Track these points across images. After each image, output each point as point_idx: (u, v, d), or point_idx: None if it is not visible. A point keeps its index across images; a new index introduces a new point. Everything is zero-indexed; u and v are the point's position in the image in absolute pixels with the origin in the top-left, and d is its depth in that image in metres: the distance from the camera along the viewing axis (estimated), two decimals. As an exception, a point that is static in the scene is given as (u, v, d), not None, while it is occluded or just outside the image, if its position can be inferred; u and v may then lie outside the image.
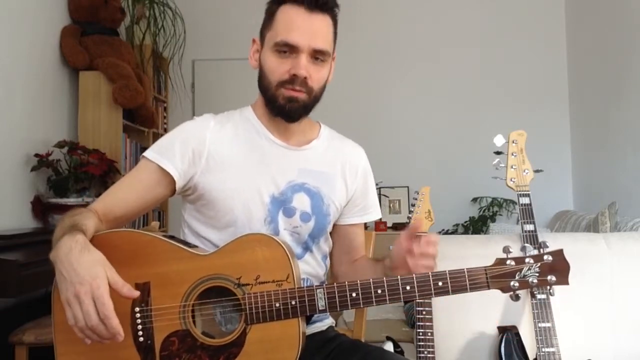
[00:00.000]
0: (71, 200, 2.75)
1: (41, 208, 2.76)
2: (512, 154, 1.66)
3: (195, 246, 1.13)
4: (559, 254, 1.01)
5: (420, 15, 4.48)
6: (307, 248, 1.25)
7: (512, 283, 1.00)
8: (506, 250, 1.03)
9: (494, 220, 4.14)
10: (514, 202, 4.04)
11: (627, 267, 1.71)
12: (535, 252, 1.02)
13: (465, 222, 4.26)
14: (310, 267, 1.25)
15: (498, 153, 1.68)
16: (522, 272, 1.00)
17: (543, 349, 1.52)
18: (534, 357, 1.55)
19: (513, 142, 1.67)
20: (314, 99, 1.21)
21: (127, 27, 3.59)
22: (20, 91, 2.72)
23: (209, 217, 1.21)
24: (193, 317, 1.04)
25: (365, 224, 1.40)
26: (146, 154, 1.21)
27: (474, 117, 4.34)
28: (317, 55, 1.17)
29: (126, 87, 3.09)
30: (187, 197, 1.24)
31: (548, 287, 1.01)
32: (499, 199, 4.21)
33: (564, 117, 4.38)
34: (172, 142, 1.21)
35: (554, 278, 1.00)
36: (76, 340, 0.97)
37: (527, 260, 1.01)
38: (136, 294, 0.97)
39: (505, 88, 4.40)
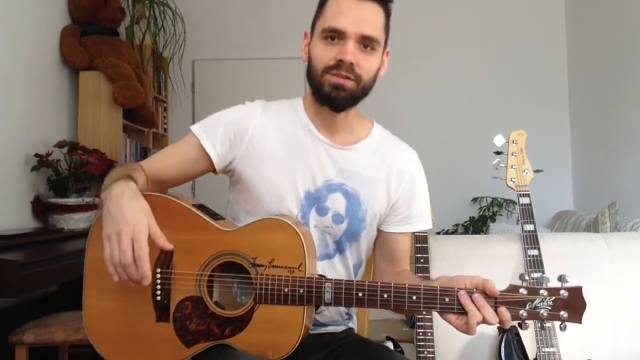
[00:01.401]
0: (71, 200, 2.75)
1: (41, 208, 2.76)
2: (512, 154, 1.67)
3: (222, 218, 1.17)
4: (577, 291, 0.97)
5: (420, 15, 4.48)
6: (340, 249, 1.23)
7: (520, 312, 0.96)
8: (522, 277, 1.00)
9: (494, 220, 4.14)
10: (514, 202, 4.04)
11: (627, 267, 1.71)
12: (554, 283, 0.97)
13: (465, 222, 4.26)
14: (336, 273, 1.22)
15: (498, 153, 1.68)
16: (534, 302, 0.96)
17: (543, 349, 1.52)
18: (534, 357, 1.55)
19: (513, 142, 1.67)
20: (362, 89, 1.16)
21: (127, 27, 3.59)
22: (20, 91, 2.72)
23: (244, 202, 1.23)
24: (208, 286, 1.09)
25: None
26: (193, 127, 1.23)
27: (474, 117, 4.34)
28: (366, 43, 1.13)
29: (126, 87, 3.09)
30: (230, 178, 1.27)
31: (560, 323, 0.97)
32: (499, 199, 4.21)
33: (564, 117, 4.38)
34: (218, 122, 1.22)
35: (566, 315, 0.96)
36: (104, 288, 1.09)
37: (541, 291, 0.96)
38: (170, 247, 1.04)
39: (505, 88, 4.40)
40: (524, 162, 1.66)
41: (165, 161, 1.23)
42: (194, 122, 1.27)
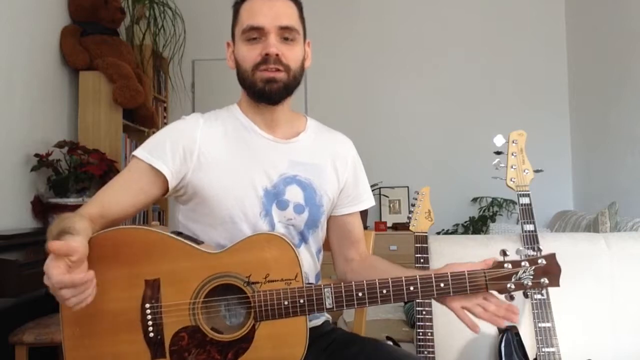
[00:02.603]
0: (71, 200, 2.75)
1: (41, 208, 2.76)
2: (512, 154, 1.67)
3: (202, 242, 1.14)
4: (551, 258, 1.06)
5: (421, 16, 4.48)
6: (303, 239, 1.26)
7: (508, 285, 1.04)
8: (503, 253, 1.06)
9: (494, 220, 4.14)
10: (514, 202, 4.04)
11: (627, 267, 1.71)
12: (531, 253, 1.07)
13: (465, 222, 4.26)
14: (305, 261, 1.25)
15: (498, 153, 1.68)
16: (518, 274, 1.04)
17: (543, 349, 1.52)
18: (534, 357, 1.55)
19: (513, 142, 1.67)
20: (294, 79, 1.22)
21: (127, 27, 3.59)
22: (20, 91, 2.72)
23: (203, 215, 1.21)
24: (202, 313, 1.06)
25: (365, 224, 1.40)
26: (137, 153, 1.20)
27: (474, 117, 4.34)
28: (286, 35, 1.19)
29: (126, 87, 3.09)
30: (180, 197, 1.25)
31: (541, 289, 1.07)
32: (499, 199, 4.20)
33: (564, 117, 4.38)
34: (162, 141, 1.20)
35: (546, 281, 1.04)
36: (86, 335, 1.04)
37: (522, 263, 1.05)
38: (59, 246, 0.96)
39: (505, 88, 4.40)
40: (524, 162, 1.66)
41: (113, 197, 1.17)
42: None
